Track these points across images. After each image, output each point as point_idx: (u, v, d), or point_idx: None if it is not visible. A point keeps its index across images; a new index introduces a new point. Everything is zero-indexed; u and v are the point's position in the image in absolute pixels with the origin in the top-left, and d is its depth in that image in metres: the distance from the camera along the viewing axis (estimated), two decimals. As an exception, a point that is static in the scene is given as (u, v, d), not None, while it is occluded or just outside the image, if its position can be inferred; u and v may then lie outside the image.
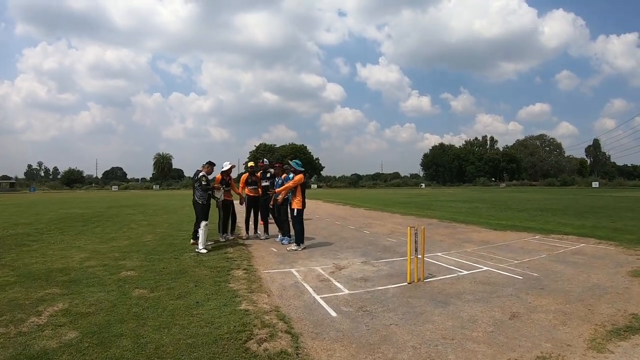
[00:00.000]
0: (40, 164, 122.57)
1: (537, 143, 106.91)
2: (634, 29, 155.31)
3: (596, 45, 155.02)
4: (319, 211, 19.06)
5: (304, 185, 8.54)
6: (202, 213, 8.26)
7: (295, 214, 8.45)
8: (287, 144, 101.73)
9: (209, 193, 8.49)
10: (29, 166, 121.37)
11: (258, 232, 10.13)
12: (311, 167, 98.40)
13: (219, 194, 8.99)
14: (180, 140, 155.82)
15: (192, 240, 8.70)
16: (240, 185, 9.85)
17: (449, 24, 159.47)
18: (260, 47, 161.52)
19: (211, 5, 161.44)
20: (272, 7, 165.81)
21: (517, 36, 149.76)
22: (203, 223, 8.15)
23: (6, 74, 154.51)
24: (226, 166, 9.28)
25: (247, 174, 9.90)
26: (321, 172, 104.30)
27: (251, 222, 10.18)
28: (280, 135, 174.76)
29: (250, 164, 9.97)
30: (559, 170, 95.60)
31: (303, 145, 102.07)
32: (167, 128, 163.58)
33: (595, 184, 71.54)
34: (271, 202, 9.36)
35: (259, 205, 9.88)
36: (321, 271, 6.54)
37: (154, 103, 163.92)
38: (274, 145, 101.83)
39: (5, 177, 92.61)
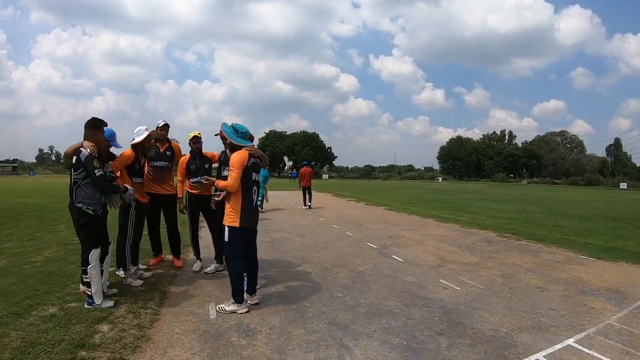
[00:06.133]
0: (51, 148, 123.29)
1: (559, 139, 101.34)
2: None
3: (612, 43, 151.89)
4: (325, 211, 14.67)
5: (249, 177, 4.17)
6: (91, 235, 4.07)
7: (226, 239, 4.17)
8: (299, 132, 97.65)
9: (109, 195, 4.25)
10: (40, 150, 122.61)
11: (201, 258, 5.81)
12: (323, 156, 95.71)
13: (129, 194, 4.48)
14: (193, 128, 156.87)
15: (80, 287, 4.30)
16: (179, 176, 5.57)
17: (463, 18, 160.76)
18: (275, 37, 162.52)
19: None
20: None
21: (532, 32, 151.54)
22: (94, 254, 3.99)
23: (21, 60, 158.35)
24: (140, 135, 4.87)
25: (189, 155, 5.60)
26: (333, 162, 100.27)
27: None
28: (293, 125, 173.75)
29: (194, 133, 5.61)
30: (579, 169, 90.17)
31: (315, 133, 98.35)
32: (181, 115, 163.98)
33: (623, 185, 65.85)
34: (213, 203, 4.89)
35: (210, 210, 5.47)
36: None
37: (168, 90, 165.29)
38: (285, 132, 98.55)
39: (14, 161, 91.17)
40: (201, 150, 5.58)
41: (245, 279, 4.34)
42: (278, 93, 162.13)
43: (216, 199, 4.42)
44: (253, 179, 4.20)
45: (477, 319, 4.08)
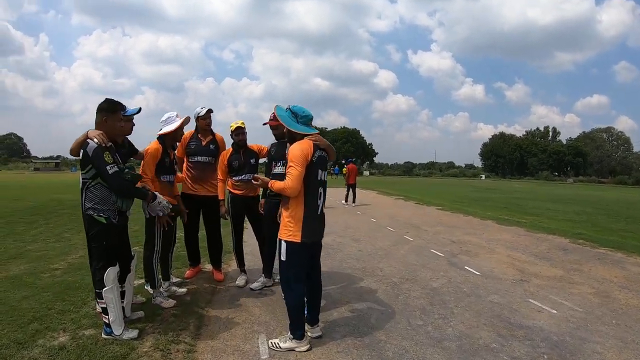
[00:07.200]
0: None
1: (604, 136, 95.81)
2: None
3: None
4: (374, 211, 13.64)
5: (314, 176, 3.13)
6: (104, 248, 3.14)
7: (283, 257, 3.16)
8: (339, 128, 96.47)
9: (127, 199, 3.27)
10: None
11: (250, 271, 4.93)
12: (364, 152, 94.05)
13: (160, 205, 3.53)
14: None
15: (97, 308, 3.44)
16: (219, 174, 4.70)
17: (502, 12, 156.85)
18: (311, 34, 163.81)
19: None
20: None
21: (572, 24, 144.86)
22: (110, 273, 3.10)
23: (63, 61, 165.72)
24: (172, 123, 3.98)
25: (231, 149, 4.69)
26: (374, 159, 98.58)
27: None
28: (332, 121, 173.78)
29: (237, 124, 4.67)
30: (626, 167, 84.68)
31: (356, 129, 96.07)
32: (220, 113, 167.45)
33: (675, 186, 61.65)
34: (261, 206, 4.22)
35: (257, 214, 4.65)
36: None
37: (207, 88, 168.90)
38: (325, 128, 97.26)
39: (57, 157, 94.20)
40: (246, 143, 4.66)
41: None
42: (316, 89, 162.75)
43: (254, 182, 3.50)
44: (319, 178, 3.17)
45: (591, 355, 3.20)
